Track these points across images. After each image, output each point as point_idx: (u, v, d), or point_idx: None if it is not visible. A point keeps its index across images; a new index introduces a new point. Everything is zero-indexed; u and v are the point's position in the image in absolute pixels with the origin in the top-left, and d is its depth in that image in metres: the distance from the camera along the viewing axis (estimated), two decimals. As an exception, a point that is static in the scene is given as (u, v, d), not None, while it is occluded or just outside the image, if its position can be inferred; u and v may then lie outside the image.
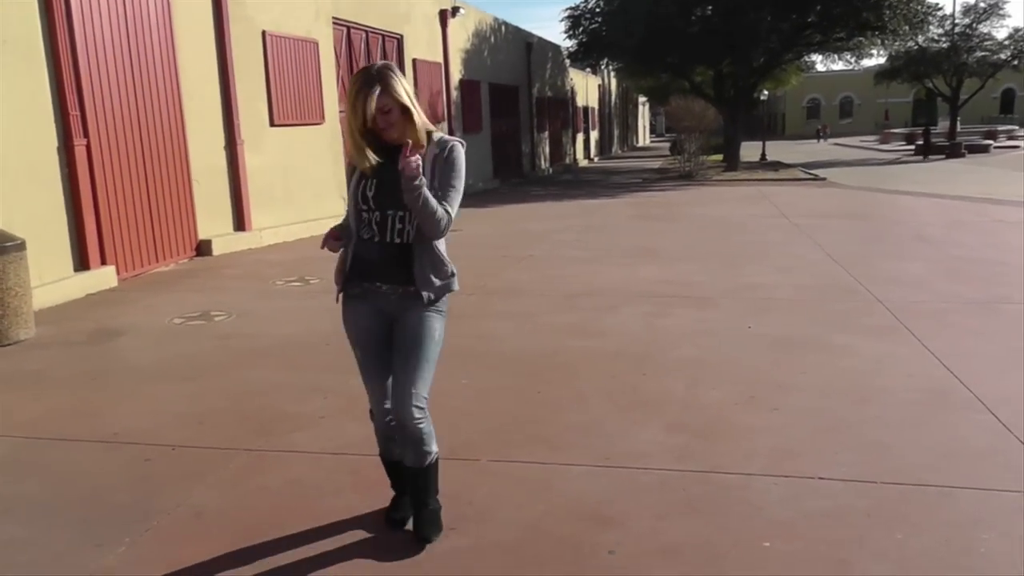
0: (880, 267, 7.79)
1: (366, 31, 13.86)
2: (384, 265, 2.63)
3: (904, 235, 10.09)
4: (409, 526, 2.89)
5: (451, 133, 17.10)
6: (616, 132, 48.45)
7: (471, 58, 19.47)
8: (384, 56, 14.61)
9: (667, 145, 43.03)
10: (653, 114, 76.84)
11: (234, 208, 10.17)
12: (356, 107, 2.47)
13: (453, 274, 2.71)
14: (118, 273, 7.95)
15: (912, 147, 33.30)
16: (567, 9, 25.28)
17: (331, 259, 2.79)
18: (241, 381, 4.77)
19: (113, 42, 8.04)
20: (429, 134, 2.62)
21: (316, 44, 11.89)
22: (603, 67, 36.13)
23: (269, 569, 2.69)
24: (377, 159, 2.55)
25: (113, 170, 8.01)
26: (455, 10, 17.88)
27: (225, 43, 9.86)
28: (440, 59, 17.34)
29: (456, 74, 18.36)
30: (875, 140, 45.85)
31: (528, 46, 24.63)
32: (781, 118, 69.65)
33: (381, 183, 2.55)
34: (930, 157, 29.14)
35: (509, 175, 21.86)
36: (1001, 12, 33.42)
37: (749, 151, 28.87)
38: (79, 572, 2.71)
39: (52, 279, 7.11)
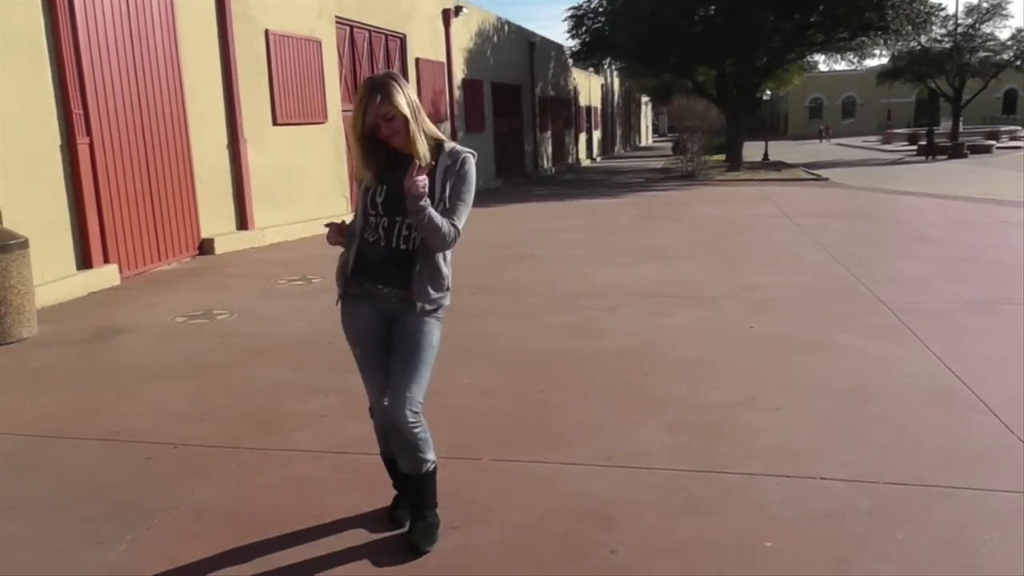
0: (882, 267, 7.78)
1: (369, 30, 13.86)
2: (387, 268, 2.64)
3: (906, 236, 10.08)
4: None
5: (454, 132, 17.18)
6: (619, 132, 48.43)
7: (474, 57, 19.47)
8: (387, 55, 14.64)
9: (669, 145, 43.02)
10: (656, 114, 76.83)
11: (237, 207, 10.18)
12: (357, 116, 2.51)
13: (448, 288, 2.72)
14: (120, 271, 7.96)
15: (915, 147, 33.23)
16: (570, 9, 25.36)
17: (333, 258, 2.80)
18: (243, 380, 4.78)
19: (116, 40, 8.05)
20: (440, 144, 2.63)
21: (319, 43, 11.89)
22: (606, 67, 36.18)
23: (271, 568, 2.69)
24: (374, 179, 2.59)
25: (116, 168, 8.02)
26: (458, 9, 17.89)
27: (228, 42, 9.87)
28: (443, 58, 17.35)
29: (459, 73, 18.36)
30: (878, 140, 45.78)
31: (531, 45, 24.63)
32: (783, 118, 69.60)
33: (391, 189, 2.57)
34: (933, 157, 29.10)
35: (512, 174, 21.87)
36: (1004, 12, 33.35)
37: (751, 151, 28.87)
38: (81, 570, 2.72)
39: (55, 277, 7.12)
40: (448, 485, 2.97)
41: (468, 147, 2.69)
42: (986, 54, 33.91)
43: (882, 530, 2.82)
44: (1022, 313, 5.86)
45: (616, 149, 46.13)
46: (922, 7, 22.84)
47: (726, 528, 2.87)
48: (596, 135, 38.52)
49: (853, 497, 3.07)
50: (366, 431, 3.20)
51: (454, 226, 2.57)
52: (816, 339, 5.31)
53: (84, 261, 7.61)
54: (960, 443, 3.57)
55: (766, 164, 26.93)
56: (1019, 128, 44.56)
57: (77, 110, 7.47)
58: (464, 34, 18.91)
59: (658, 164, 29.73)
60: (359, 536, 2.87)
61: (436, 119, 15.79)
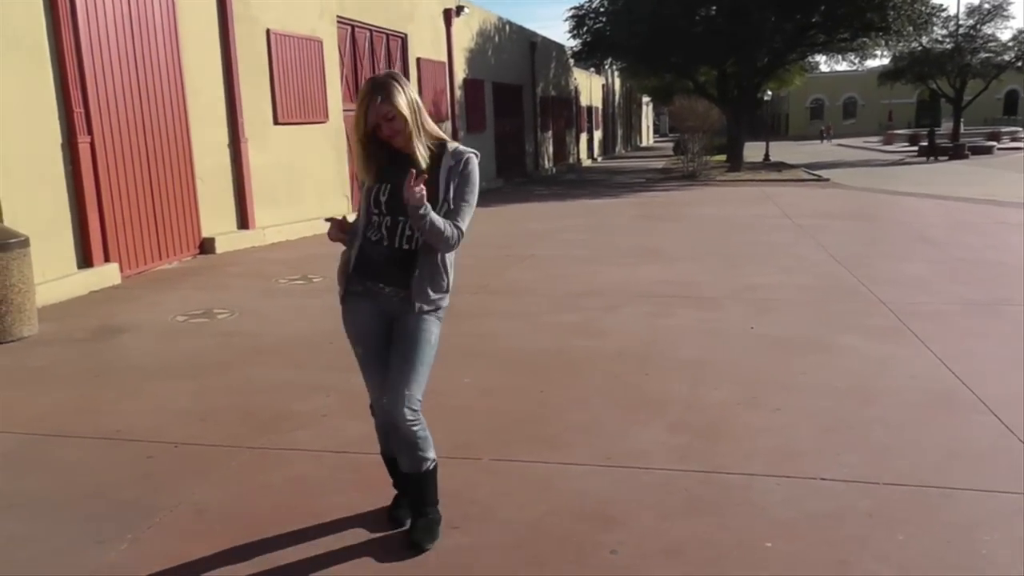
0: (883, 268, 7.78)
1: (370, 30, 13.87)
2: (389, 267, 2.64)
3: (907, 236, 10.08)
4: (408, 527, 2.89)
5: (455, 132, 17.17)
6: (620, 132, 48.43)
7: (475, 57, 19.47)
8: (388, 54, 14.64)
9: (670, 145, 43.02)
10: (657, 114, 76.80)
11: (237, 206, 10.18)
12: (359, 116, 2.52)
13: (448, 290, 2.72)
14: (121, 270, 7.97)
15: (915, 148, 33.23)
16: (571, 9, 25.39)
17: (334, 257, 2.80)
18: (244, 379, 4.78)
19: (117, 39, 8.05)
20: (443, 143, 2.63)
21: (320, 43, 11.90)
22: (607, 67, 36.21)
23: (271, 566, 2.69)
24: (375, 178, 2.60)
25: (117, 167, 8.03)
26: (459, 9, 17.89)
27: (229, 41, 9.87)
28: (444, 58, 17.35)
29: (460, 73, 18.36)
30: (878, 141, 45.78)
31: (532, 45, 24.62)
32: (785, 119, 69.59)
33: (395, 189, 2.57)
34: (934, 158, 29.09)
35: (513, 174, 21.87)
36: (1005, 13, 33.36)
37: (752, 152, 28.87)
38: (81, 569, 2.72)
39: (56, 276, 7.13)
40: (448, 485, 2.97)
41: (470, 147, 2.69)
42: (987, 55, 33.92)
43: (882, 531, 2.82)
44: (1022, 314, 5.86)
45: (617, 149, 46.13)
46: (923, 8, 22.85)
47: (726, 528, 2.87)
48: (597, 135, 38.52)
49: (853, 498, 3.07)
50: (366, 431, 3.21)
51: (457, 228, 2.58)
52: (817, 340, 5.31)
53: (85, 260, 7.61)
54: (960, 444, 3.57)
55: (767, 164, 26.93)
56: (1020, 129, 44.51)
57: (78, 109, 7.47)
58: (465, 34, 18.91)
59: (659, 164, 29.72)
60: (359, 535, 2.88)
61: (437, 119, 15.80)
